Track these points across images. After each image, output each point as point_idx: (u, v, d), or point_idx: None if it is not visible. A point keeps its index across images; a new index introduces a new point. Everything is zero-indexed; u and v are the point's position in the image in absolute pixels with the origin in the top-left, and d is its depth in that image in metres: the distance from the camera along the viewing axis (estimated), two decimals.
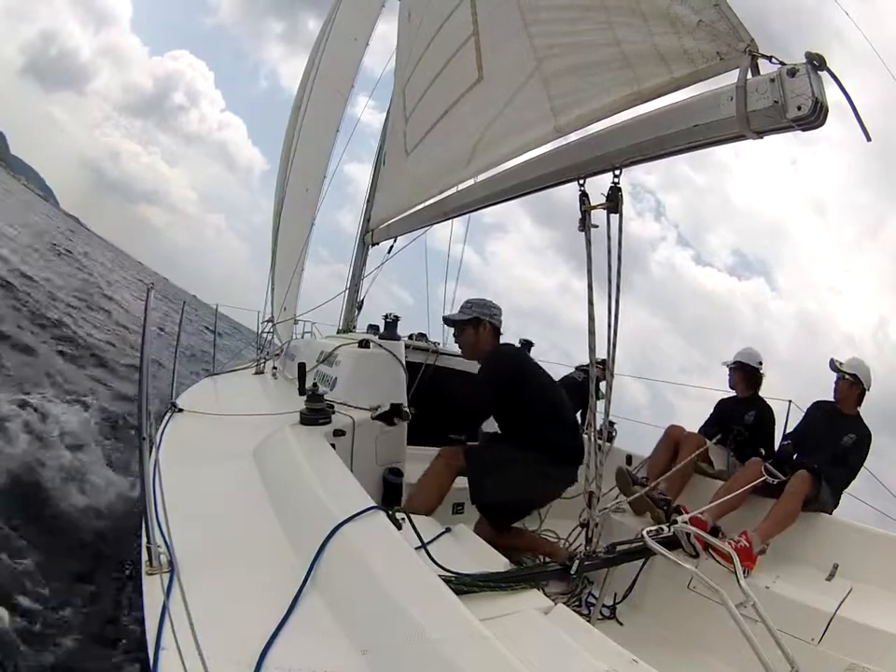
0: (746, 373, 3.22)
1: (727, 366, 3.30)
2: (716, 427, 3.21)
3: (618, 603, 2.33)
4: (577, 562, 1.82)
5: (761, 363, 3.22)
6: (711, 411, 3.42)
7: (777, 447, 3.01)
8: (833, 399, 2.84)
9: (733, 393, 3.34)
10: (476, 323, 2.55)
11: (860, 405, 2.79)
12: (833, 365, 2.82)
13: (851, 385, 2.75)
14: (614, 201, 1.73)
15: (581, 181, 1.85)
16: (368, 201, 4.81)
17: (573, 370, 4.90)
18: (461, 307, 2.67)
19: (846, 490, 2.68)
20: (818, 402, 2.95)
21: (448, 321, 2.79)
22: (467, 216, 4.72)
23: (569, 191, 2.01)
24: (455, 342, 2.84)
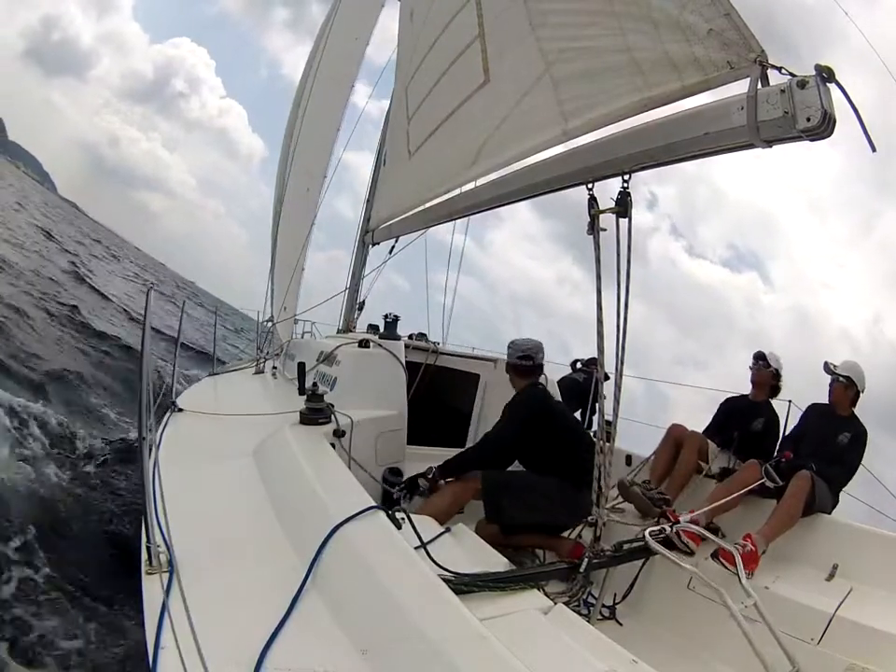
0: (771, 377, 3.17)
1: (755, 359, 3.20)
2: (726, 432, 3.16)
3: (618, 603, 2.32)
4: (586, 560, 1.82)
5: (781, 374, 3.17)
6: (716, 409, 3.36)
7: (776, 452, 3.00)
8: (828, 402, 2.86)
9: (737, 392, 3.32)
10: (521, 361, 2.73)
11: (854, 406, 2.81)
12: (828, 368, 2.83)
13: (846, 387, 2.77)
14: (623, 205, 1.75)
15: (590, 185, 1.85)
16: (368, 201, 4.82)
17: (570, 369, 4.92)
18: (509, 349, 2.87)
19: (844, 489, 2.68)
20: (813, 405, 2.97)
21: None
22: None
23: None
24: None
